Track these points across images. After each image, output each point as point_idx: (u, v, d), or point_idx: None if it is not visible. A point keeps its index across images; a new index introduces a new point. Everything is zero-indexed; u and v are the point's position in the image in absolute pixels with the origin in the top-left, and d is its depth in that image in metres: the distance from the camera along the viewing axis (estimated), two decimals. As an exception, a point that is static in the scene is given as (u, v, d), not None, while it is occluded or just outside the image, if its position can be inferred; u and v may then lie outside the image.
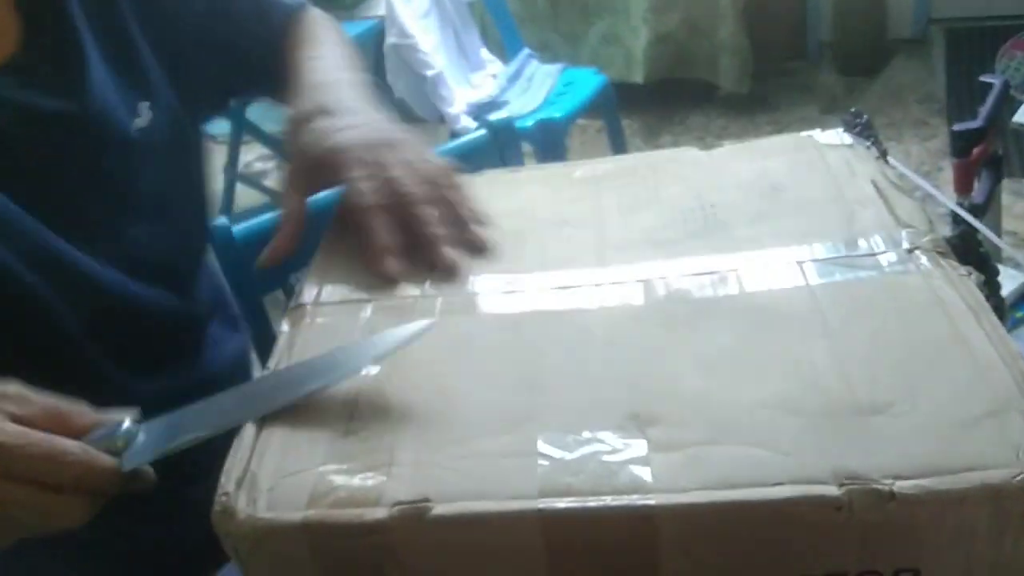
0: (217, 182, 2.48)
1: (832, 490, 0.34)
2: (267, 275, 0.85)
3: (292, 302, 0.51)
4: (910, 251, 0.46)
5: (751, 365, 0.41)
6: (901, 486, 0.34)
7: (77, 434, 0.42)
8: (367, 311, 0.49)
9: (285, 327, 0.49)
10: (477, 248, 0.53)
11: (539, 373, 0.43)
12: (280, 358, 0.47)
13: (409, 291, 0.50)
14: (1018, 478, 0.34)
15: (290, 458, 0.39)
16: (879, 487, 0.34)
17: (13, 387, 0.42)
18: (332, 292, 0.51)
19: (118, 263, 0.59)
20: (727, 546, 0.35)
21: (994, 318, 0.41)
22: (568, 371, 0.42)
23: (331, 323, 0.49)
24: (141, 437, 0.42)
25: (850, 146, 0.55)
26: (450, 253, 0.52)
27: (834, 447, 0.36)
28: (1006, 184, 2.15)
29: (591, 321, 0.46)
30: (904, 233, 0.47)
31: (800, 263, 0.47)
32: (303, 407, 0.42)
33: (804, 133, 0.58)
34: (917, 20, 2.88)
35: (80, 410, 0.43)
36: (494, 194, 0.57)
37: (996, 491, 0.34)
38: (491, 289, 0.50)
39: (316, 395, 0.43)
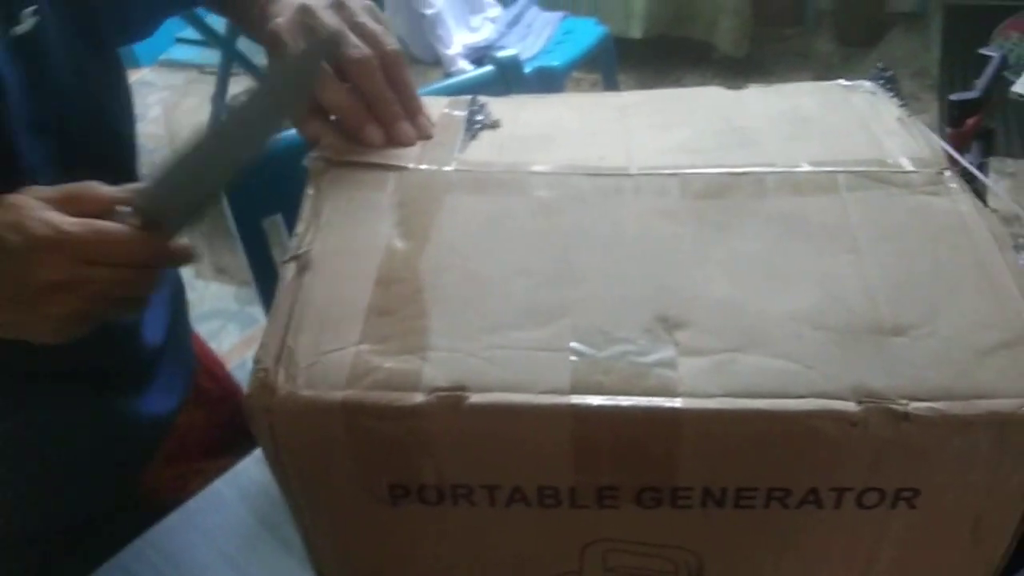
0: (205, 112, 2.44)
1: (851, 406, 0.36)
2: (266, 199, 0.85)
3: (312, 153, 0.51)
4: (940, 172, 0.47)
5: (780, 275, 0.42)
6: (916, 407, 0.36)
7: (101, 214, 0.45)
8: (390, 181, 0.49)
9: (310, 190, 0.48)
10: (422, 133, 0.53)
11: (570, 265, 0.43)
12: (308, 221, 0.46)
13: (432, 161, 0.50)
14: (1021, 410, 0.36)
15: (327, 335, 0.40)
16: (895, 407, 0.36)
17: (22, 197, 0.45)
18: (351, 153, 0.51)
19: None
20: (745, 453, 0.37)
21: (1013, 252, 0.42)
22: (599, 266, 0.43)
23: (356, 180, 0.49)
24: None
25: (874, 93, 0.56)
26: (408, 131, 0.52)
27: (855, 364, 0.37)
28: (993, 163, 2.19)
29: (624, 214, 0.46)
30: (933, 156, 0.48)
31: (833, 172, 0.47)
32: (335, 281, 0.42)
33: (828, 82, 0.59)
34: (918, -6, 2.89)
35: (92, 188, 0.46)
36: (522, 110, 0.56)
37: (1002, 420, 0.36)
38: (522, 171, 0.49)
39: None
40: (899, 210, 0.45)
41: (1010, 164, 2.27)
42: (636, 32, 2.60)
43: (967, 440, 0.36)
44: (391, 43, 0.53)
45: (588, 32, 2.16)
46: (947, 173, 0.47)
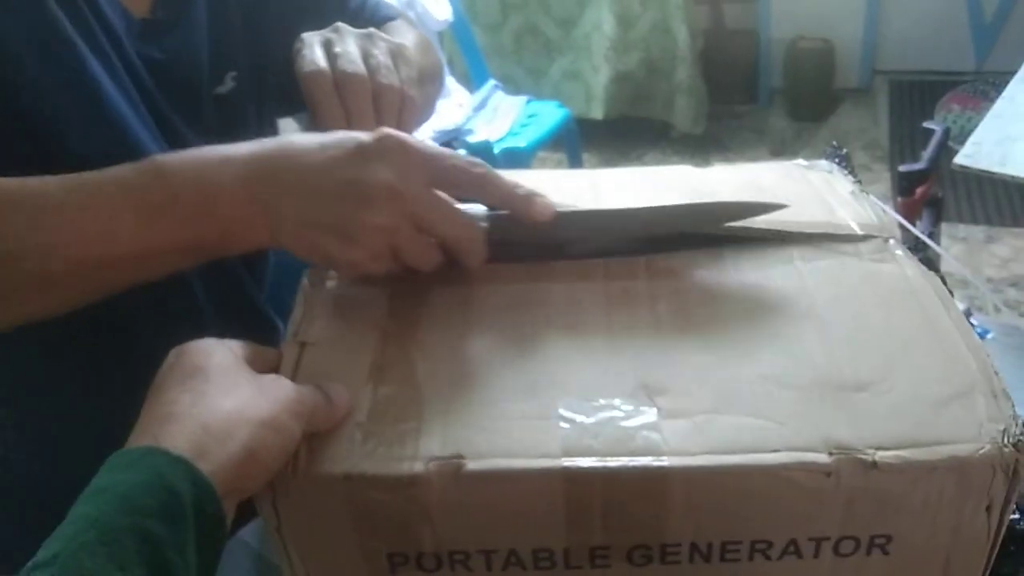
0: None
1: (823, 458, 0.38)
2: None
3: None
4: (887, 240, 0.51)
5: (747, 342, 0.45)
6: (882, 456, 0.38)
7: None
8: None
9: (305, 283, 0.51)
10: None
11: (552, 343, 0.46)
12: (304, 311, 0.49)
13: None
14: (980, 451, 0.39)
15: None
16: (863, 456, 0.38)
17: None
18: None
19: None
20: (728, 507, 0.39)
21: (959, 311, 0.46)
22: (577, 344, 0.46)
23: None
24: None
25: (830, 171, 0.60)
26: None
27: (822, 419, 0.40)
28: (945, 228, 2.28)
29: (592, 296, 0.49)
30: (881, 225, 0.53)
31: (787, 246, 0.51)
32: (331, 361, 0.45)
33: (786, 161, 0.64)
34: (863, 71, 3.04)
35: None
36: None
37: (962, 463, 0.39)
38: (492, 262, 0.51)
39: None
40: (851, 276, 0.49)
41: (961, 229, 2.36)
42: (597, 113, 2.69)
43: (932, 484, 0.39)
44: (391, 80, 0.56)
45: (551, 114, 2.24)
46: (892, 241, 0.52)
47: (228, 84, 0.65)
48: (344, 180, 0.45)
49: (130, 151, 0.57)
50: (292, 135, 0.48)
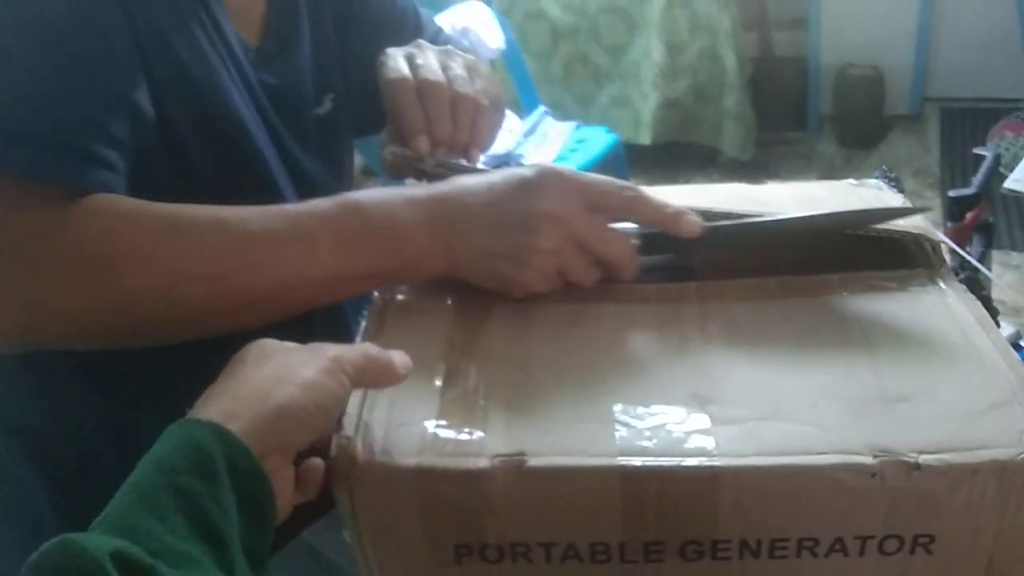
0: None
1: (868, 460, 0.41)
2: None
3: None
4: (928, 268, 0.54)
5: (795, 359, 0.48)
6: (925, 459, 0.41)
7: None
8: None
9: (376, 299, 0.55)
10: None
11: (608, 357, 0.49)
12: (378, 316, 0.54)
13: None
14: (1021, 456, 0.40)
15: (397, 410, 0.45)
16: (907, 459, 0.41)
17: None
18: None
19: None
20: (776, 505, 0.42)
21: (998, 332, 0.48)
22: (630, 357, 0.49)
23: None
24: None
25: (879, 188, 0.63)
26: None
27: (868, 427, 0.42)
28: (997, 255, 2.25)
29: (645, 316, 0.52)
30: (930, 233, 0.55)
31: (832, 273, 0.54)
32: None
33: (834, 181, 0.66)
34: (914, 98, 3.02)
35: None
36: None
37: (1003, 466, 0.41)
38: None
39: None
40: (895, 302, 0.52)
41: (1014, 257, 2.33)
42: (645, 139, 2.72)
43: (973, 487, 0.41)
44: (467, 90, 0.62)
45: (599, 140, 2.28)
46: (933, 269, 0.54)
47: (327, 105, 0.71)
48: (512, 212, 0.52)
49: (259, 171, 0.63)
50: (462, 178, 0.55)
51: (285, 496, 0.41)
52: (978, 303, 0.51)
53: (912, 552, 0.43)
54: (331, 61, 0.71)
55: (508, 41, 2.31)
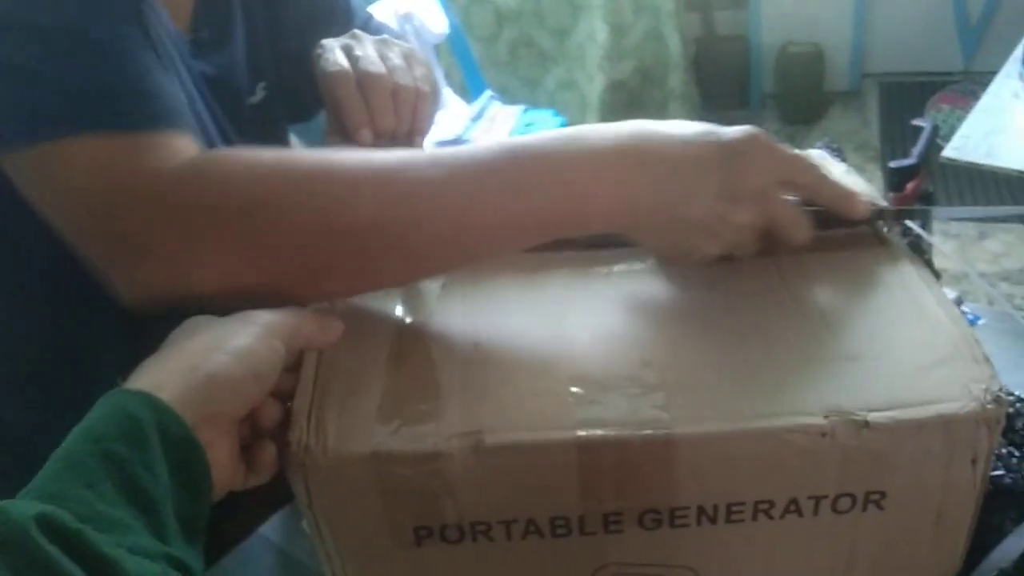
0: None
1: (819, 420, 0.41)
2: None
3: None
4: (873, 225, 0.55)
5: (746, 323, 0.48)
6: (874, 416, 0.41)
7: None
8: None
9: None
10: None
11: (558, 328, 0.49)
12: None
13: None
14: (965, 409, 0.41)
15: (349, 394, 0.45)
16: (856, 417, 0.41)
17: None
18: None
19: None
20: (731, 470, 0.42)
21: (941, 290, 0.49)
22: (583, 327, 0.49)
23: None
24: None
25: (823, 156, 0.63)
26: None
27: (818, 387, 0.43)
28: (936, 225, 2.31)
29: (596, 284, 0.52)
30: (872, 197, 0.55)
31: None
32: (353, 349, 0.47)
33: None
34: (852, 74, 3.08)
35: None
36: None
37: (948, 420, 0.41)
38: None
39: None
40: (840, 261, 0.53)
41: (954, 227, 2.39)
42: (592, 121, 2.71)
43: (921, 441, 0.42)
44: (407, 80, 0.61)
45: (547, 123, 2.27)
46: (877, 224, 0.55)
47: (259, 94, 0.70)
48: (717, 180, 0.47)
49: None
50: (645, 123, 0.49)
51: (224, 468, 0.41)
52: (922, 263, 0.52)
53: (864, 509, 0.44)
54: (263, 50, 0.70)
55: (452, 25, 2.30)
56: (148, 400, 0.37)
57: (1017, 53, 1.53)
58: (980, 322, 1.00)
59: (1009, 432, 0.55)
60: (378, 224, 0.46)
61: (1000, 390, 0.42)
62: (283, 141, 0.77)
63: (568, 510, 0.44)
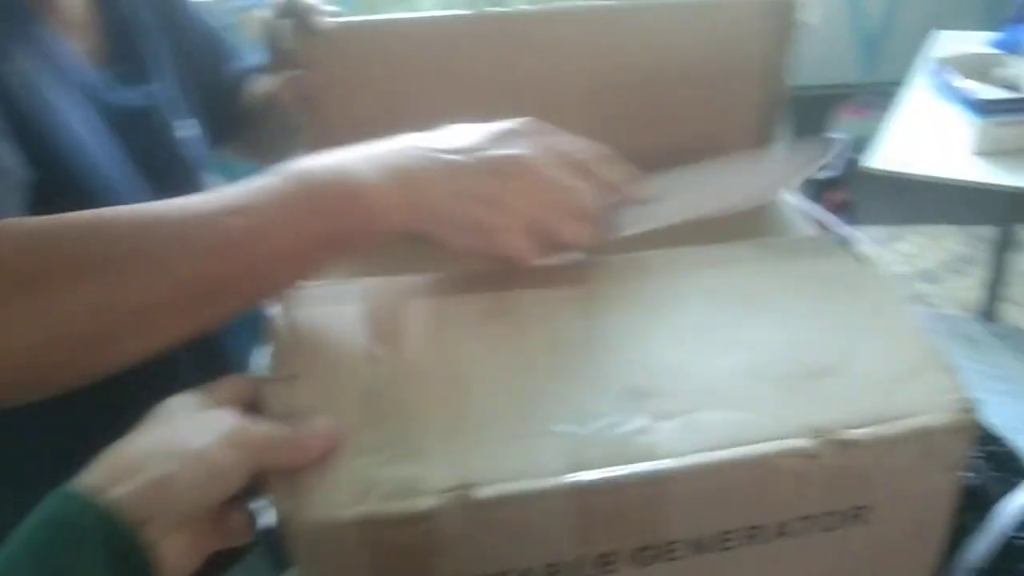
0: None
1: (805, 443, 0.42)
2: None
3: None
4: (830, 234, 0.57)
5: (718, 336, 0.48)
6: (858, 434, 0.42)
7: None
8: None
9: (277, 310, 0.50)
10: None
11: (532, 357, 0.47)
12: (283, 341, 0.49)
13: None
14: (941, 421, 0.43)
15: (329, 452, 0.42)
16: (840, 437, 0.42)
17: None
18: None
19: None
20: (723, 499, 0.42)
21: (902, 297, 0.50)
22: (558, 353, 0.47)
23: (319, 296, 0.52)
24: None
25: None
26: None
27: (798, 406, 0.43)
28: (858, 231, 2.40)
29: (562, 302, 0.51)
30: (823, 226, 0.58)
31: (741, 242, 0.55)
32: (323, 400, 0.44)
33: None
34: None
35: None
36: None
37: (928, 431, 0.43)
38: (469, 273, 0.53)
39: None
40: (802, 268, 0.53)
41: (868, 231, 2.48)
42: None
43: (901, 455, 0.43)
44: None
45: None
46: (834, 235, 0.56)
47: (188, 128, 0.70)
48: (487, 157, 0.49)
49: (101, 193, 0.60)
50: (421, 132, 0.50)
51: (178, 561, 0.39)
52: (880, 268, 0.53)
53: (849, 525, 0.44)
54: (187, 83, 0.72)
55: None
56: (89, 506, 0.36)
57: (925, 64, 1.61)
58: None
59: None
60: (164, 260, 0.45)
61: (969, 399, 0.43)
62: (207, 174, 0.77)
63: (562, 556, 0.43)
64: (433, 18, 0.66)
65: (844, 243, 0.56)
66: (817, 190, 1.45)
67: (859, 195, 1.44)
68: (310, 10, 0.66)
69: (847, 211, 1.46)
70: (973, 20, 2.73)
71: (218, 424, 0.40)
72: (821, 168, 1.51)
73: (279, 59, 0.72)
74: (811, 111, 2.97)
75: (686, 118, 0.70)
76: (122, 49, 0.66)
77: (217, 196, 0.48)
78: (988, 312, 1.70)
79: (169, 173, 0.67)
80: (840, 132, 2.59)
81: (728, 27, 0.69)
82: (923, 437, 0.43)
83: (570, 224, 0.51)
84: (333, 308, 0.51)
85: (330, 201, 0.47)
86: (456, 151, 0.49)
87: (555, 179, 0.50)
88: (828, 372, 0.45)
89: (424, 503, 0.40)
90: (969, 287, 2.18)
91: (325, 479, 0.42)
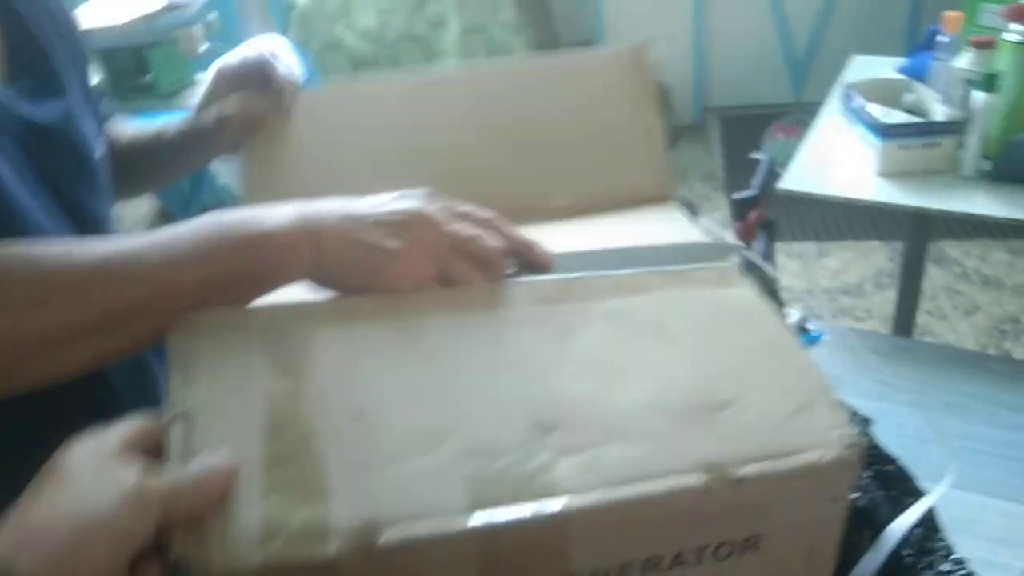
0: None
1: (698, 479, 0.44)
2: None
3: None
4: (728, 265, 0.58)
5: (619, 369, 0.50)
6: (747, 471, 0.44)
7: None
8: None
9: (172, 339, 0.50)
10: None
11: (440, 386, 0.48)
12: (180, 374, 0.48)
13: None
14: (827, 457, 0.45)
15: (230, 493, 0.41)
16: (730, 474, 0.44)
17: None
18: None
19: None
20: (622, 534, 0.44)
21: (792, 329, 0.53)
22: (465, 382, 0.48)
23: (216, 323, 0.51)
24: None
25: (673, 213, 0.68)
26: None
27: (695, 441, 0.45)
28: (780, 247, 2.47)
29: (470, 329, 0.52)
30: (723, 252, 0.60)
31: (644, 274, 0.57)
32: (224, 437, 0.44)
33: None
34: (696, 107, 3.26)
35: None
36: None
37: (815, 467, 0.45)
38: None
39: None
40: (702, 301, 0.56)
41: (796, 247, 2.56)
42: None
43: (790, 489, 0.45)
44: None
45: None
46: (733, 267, 0.59)
47: (100, 149, 0.70)
48: (387, 211, 0.54)
49: (12, 209, 0.59)
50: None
51: None
52: (773, 302, 0.56)
53: (742, 553, 0.46)
54: (95, 106, 0.73)
55: (307, 72, 2.28)
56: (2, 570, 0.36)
57: (837, 89, 1.68)
58: (824, 338, 1.09)
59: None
60: (83, 283, 0.49)
61: (855, 435, 0.46)
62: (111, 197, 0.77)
63: (469, 591, 0.44)
64: (353, 85, 0.76)
65: (750, 272, 0.59)
66: (740, 209, 1.49)
67: (778, 214, 1.49)
68: (283, 91, 0.74)
69: (770, 229, 1.50)
70: (897, 44, 2.84)
71: (120, 484, 0.40)
72: (746, 187, 1.54)
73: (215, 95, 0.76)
74: (745, 130, 3.07)
75: (577, 176, 0.73)
76: (28, 64, 0.64)
77: (142, 234, 0.51)
78: (903, 325, 1.77)
79: (81, 191, 0.66)
80: (770, 150, 2.67)
81: (591, 88, 0.75)
82: (811, 472, 0.45)
83: (464, 267, 0.54)
84: (232, 335, 0.50)
85: (239, 241, 0.51)
86: (359, 207, 0.54)
87: (450, 228, 0.54)
88: (725, 406, 0.48)
89: (329, 548, 0.40)
90: (893, 300, 2.27)
91: (229, 524, 0.41)
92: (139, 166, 0.82)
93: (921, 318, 2.22)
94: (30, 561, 0.37)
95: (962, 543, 0.64)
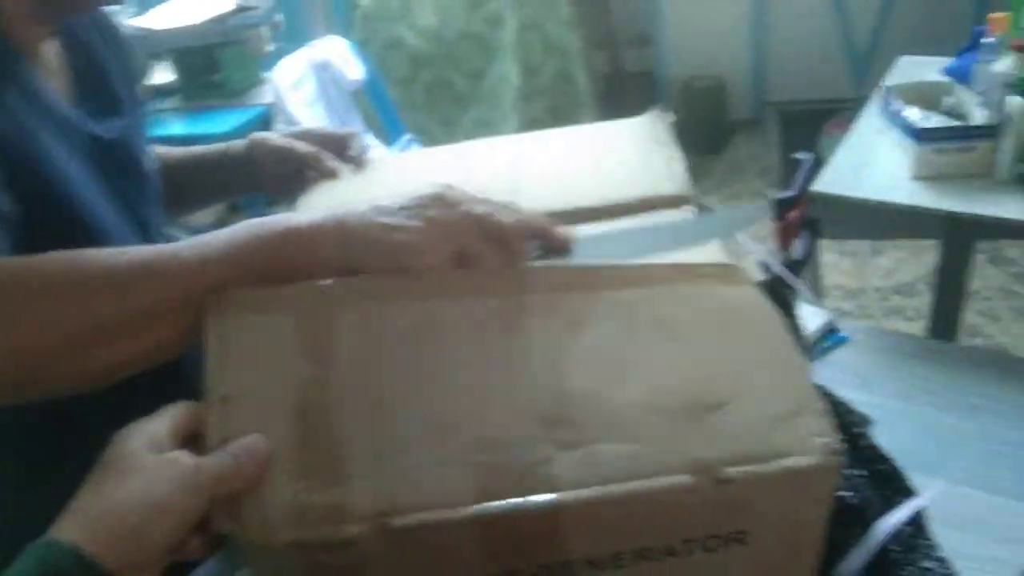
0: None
1: (687, 479, 0.47)
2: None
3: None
4: (738, 266, 0.61)
5: (623, 366, 0.53)
6: (735, 472, 0.48)
7: None
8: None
9: (209, 320, 0.53)
10: None
11: (455, 374, 0.52)
12: (218, 356, 0.52)
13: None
14: (811, 463, 0.48)
15: (264, 478, 0.47)
16: (718, 475, 0.48)
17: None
18: None
19: None
20: (615, 526, 0.48)
21: (796, 334, 0.56)
22: (478, 374, 0.52)
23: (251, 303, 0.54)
24: None
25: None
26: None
27: (687, 441, 0.49)
28: (834, 244, 2.45)
29: (487, 319, 0.55)
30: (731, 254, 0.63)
31: (651, 269, 0.60)
32: (258, 420, 0.49)
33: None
34: (754, 102, 3.24)
35: None
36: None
37: (798, 472, 0.48)
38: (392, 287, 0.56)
39: None
40: (707, 300, 0.58)
41: (850, 245, 2.54)
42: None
43: (775, 490, 0.49)
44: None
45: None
46: (738, 267, 0.61)
47: (152, 164, 0.78)
48: (409, 195, 0.57)
49: (87, 220, 0.66)
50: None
51: None
52: (778, 307, 0.58)
53: (730, 546, 0.50)
54: (142, 122, 0.81)
55: (368, 72, 2.35)
56: (73, 555, 0.42)
57: (880, 91, 1.67)
58: (851, 340, 1.11)
59: (854, 451, 0.63)
60: (88, 301, 0.52)
61: (838, 443, 0.49)
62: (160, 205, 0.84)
63: (472, 573, 0.48)
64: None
65: (767, 275, 0.62)
66: (779, 208, 1.51)
67: (832, 211, 1.49)
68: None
69: (812, 229, 1.51)
70: (959, 40, 2.77)
71: (174, 470, 0.46)
72: (785, 188, 1.55)
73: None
74: (804, 124, 3.04)
75: (595, 183, 0.79)
76: (91, 90, 0.73)
77: (184, 240, 0.55)
78: (941, 327, 1.75)
79: (140, 201, 0.75)
80: (826, 147, 2.65)
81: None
82: (795, 476, 0.48)
83: (482, 246, 0.56)
84: (264, 318, 0.54)
85: (268, 235, 0.55)
86: (383, 200, 0.57)
87: (468, 208, 0.56)
88: (717, 408, 0.51)
89: (349, 530, 0.45)
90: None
91: (262, 504, 0.47)
92: (184, 186, 0.90)
93: (973, 319, 2.18)
94: (101, 543, 0.43)
95: (970, 541, 0.66)
